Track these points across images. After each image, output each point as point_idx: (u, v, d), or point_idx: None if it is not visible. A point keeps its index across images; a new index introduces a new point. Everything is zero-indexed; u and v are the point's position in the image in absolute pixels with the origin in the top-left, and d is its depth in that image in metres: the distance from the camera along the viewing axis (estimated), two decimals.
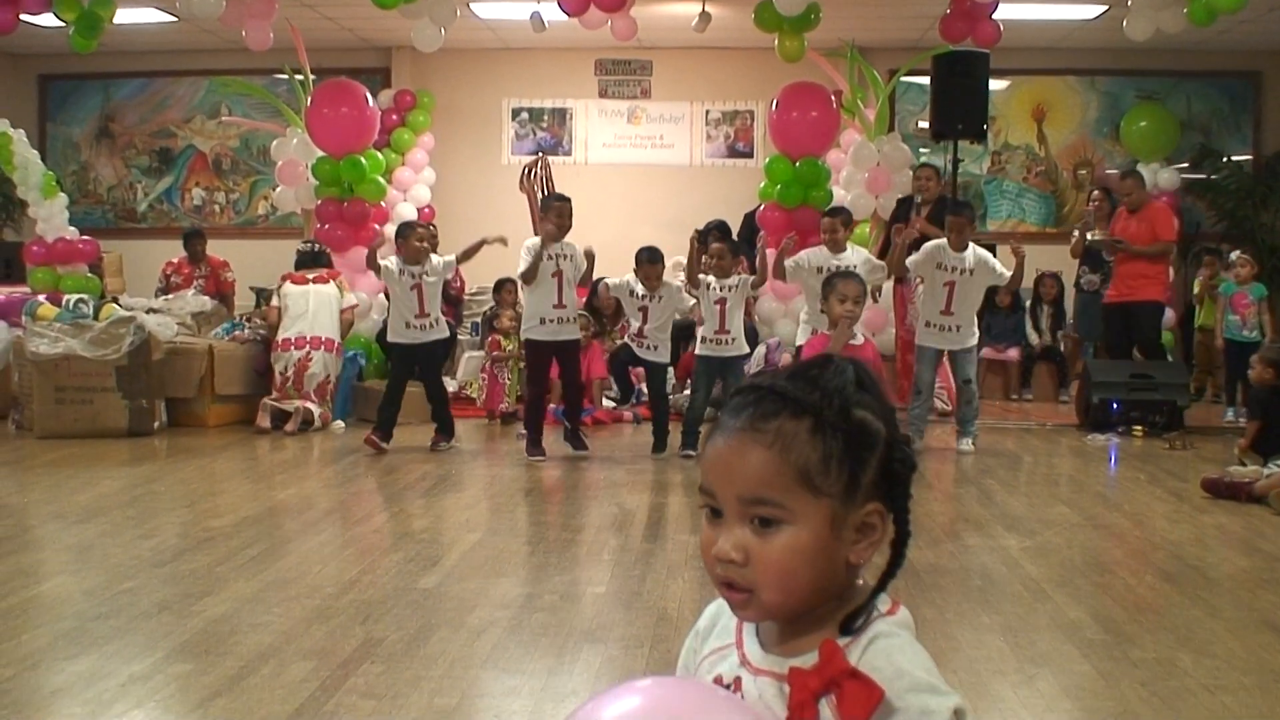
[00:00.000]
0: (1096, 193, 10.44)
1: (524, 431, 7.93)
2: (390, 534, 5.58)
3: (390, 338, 8.12)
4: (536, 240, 7.63)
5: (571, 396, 7.91)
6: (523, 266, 7.54)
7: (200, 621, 4.01)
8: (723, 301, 7.75)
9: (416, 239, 7.99)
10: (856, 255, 7.99)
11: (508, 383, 9.37)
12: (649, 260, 7.90)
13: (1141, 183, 9.67)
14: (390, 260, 7.92)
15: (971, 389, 8.11)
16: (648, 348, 7.98)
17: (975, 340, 8.18)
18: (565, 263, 7.58)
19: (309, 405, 8.84)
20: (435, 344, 8.10)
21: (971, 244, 8.01)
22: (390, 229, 9.48)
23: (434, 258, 8.00)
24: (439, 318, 8.06)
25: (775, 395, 1.25)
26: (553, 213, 7.61)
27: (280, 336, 8.96)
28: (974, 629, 4.07)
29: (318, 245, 9.71)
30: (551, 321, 7.57)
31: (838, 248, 7.89)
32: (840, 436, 1.24)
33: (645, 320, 7.89)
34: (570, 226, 7.63)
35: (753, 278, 8.05)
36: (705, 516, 1.28)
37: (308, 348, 8.94)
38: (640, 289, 7.87)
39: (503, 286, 9.65)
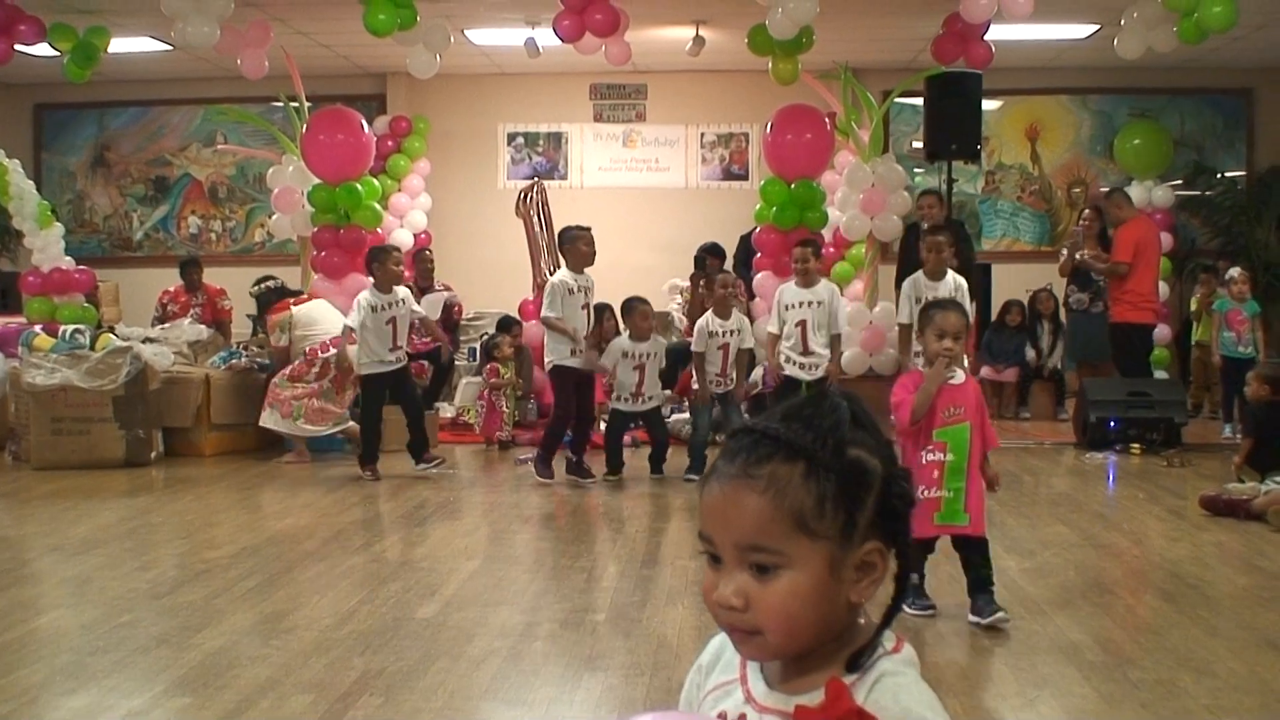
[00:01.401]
0: (1088, 211, 10.44)
1: (522, 458, 7.88)
2: (388, 563, 5.56)
3: (363, 371, 8.00)
4: (563, 276, 7.61)
5: (583, 427, 7.86)
6: (549, 311, 7.50)
7: (198, 655, 4.00)
8: (725, 347, 7.77)
9: (394, 262, 8.01)
10: (826, 290, 7.81)
11: (506, 410, 9.36)
12: (628, 310, 7.87)
13: (1120, 201, 9.67)
14: (363, 297, 7.88)
15: None
16: (644, 400, 7.84)
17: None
18: (591, 295, 7.65)
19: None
20: (403, 369, 8.07)
21: (950, 271, 7.39)
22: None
23: (401, 289, 8.00)
24: (404, 348, 8.07)
25: (768, 439, 1.24)
26: (580, 242, 7.64)
27: (318, 341, 8.72)
28: (974, 652, 4.07)
29: (276, 280, 9.81)
30: (584, 353, 7.58)
31: (808, 279, 7.74)
32: (834, 478, 1.22)
33: (641, 380, 7.77)
34: (595, 253, 7.69)
35: (751, 344, 7.95)
36: (706, 561, 1.28)
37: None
38: (632, 346, 7.76)
39: (509, 328, 9.66)
